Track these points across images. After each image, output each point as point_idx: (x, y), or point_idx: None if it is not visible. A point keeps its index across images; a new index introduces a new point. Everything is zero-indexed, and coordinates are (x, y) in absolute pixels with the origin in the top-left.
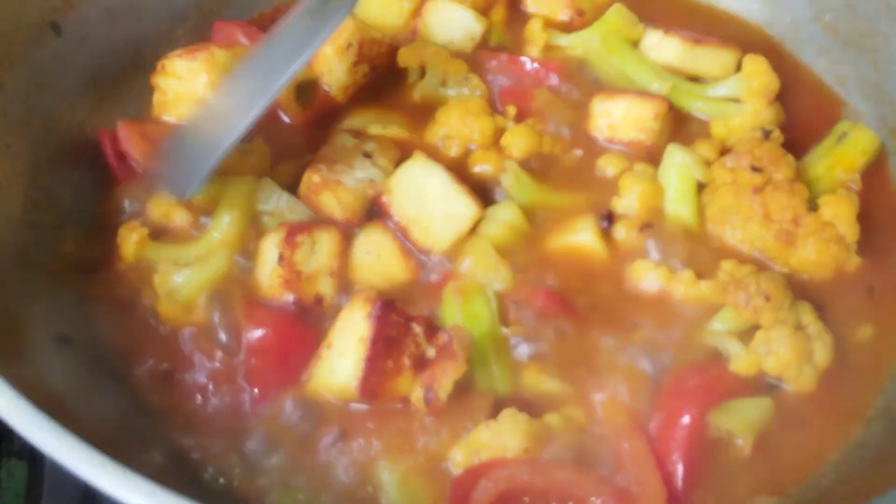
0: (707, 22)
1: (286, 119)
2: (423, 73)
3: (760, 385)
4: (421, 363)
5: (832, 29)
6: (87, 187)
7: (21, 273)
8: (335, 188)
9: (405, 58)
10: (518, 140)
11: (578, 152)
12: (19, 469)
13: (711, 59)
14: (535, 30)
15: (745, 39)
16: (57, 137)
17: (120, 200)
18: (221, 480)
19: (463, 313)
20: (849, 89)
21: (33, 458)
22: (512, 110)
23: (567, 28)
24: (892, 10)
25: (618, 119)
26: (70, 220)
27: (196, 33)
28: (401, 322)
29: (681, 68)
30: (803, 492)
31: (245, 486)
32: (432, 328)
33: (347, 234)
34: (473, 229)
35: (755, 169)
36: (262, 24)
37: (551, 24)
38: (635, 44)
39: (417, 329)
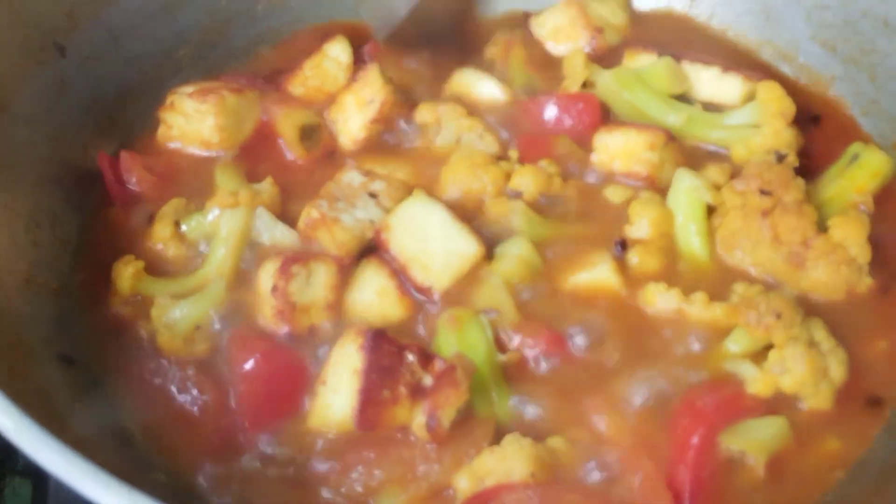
0: (708, 43)
1: (290, 156)
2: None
3: (777, 404)
4: (418, 391)
5: (830, 47)
6: (92, 208)
7: (25, 293)
8: (332, 226)
9: (423, 114)
10: (525, 180)
11: (584, 186)
12: (23, 488)
13: (731, 87)
14: (576, 64)
15: (747, 62)
16: (61, 158)
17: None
18: None
19: (458, 342)
20: (848, 107)
21: (37, 476)
22: (514, 154)
23: (594, 56)
24: (890, 27)
25: (616, 152)
26: (73, 241)
27: (198, 55)
28: (394, 351)
29: (710, 100)
30: None
31: None
32: (427, 356)
33: (344, 268)
34: (476, 270)
35: (764, 192)
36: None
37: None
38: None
39: (411, 358)
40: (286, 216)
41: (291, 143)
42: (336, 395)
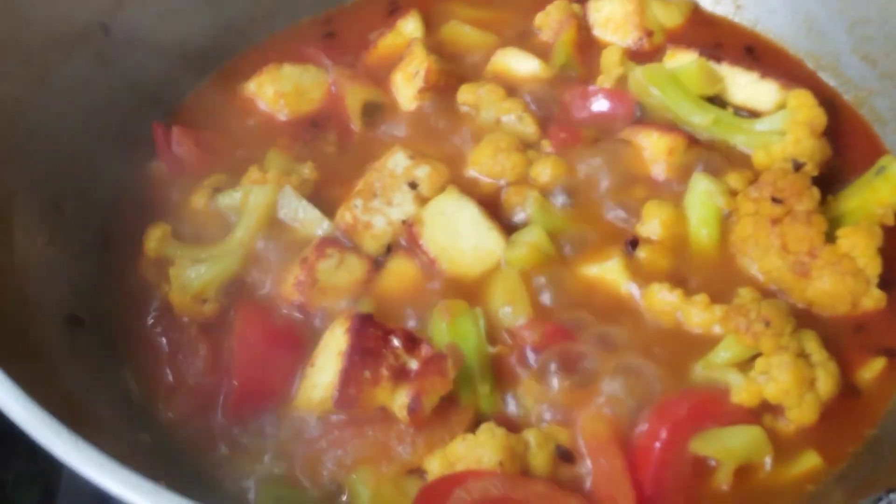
0: (752, 50)
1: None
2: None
3: (761, 415)
4: (401, 374)
5: (871, 60)
6: (120, 180)
7: (43, 256)
8: (363, 232)
9: (464, 95)
10: (545, 170)
11: (606, 183)
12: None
13: (766, 93)
14: (612, 60)
15: (789, 70)
16: (96, 132)
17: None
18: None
19: (450, 331)
20: (882, 122)
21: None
22: (546, 144)
23: (636, 55)
24: None
25: (639, 153)
26: (100, 209)
27: (244, 39)
28: (379, 335)
29: (744, 104)
30: None
31: (224, 481)
32: (414, 341)
33: (376, 267)
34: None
35: (776, 200)
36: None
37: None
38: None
39: (396, 342)
40: (327, 192)
41: (354, 117)
42: (321, 376)
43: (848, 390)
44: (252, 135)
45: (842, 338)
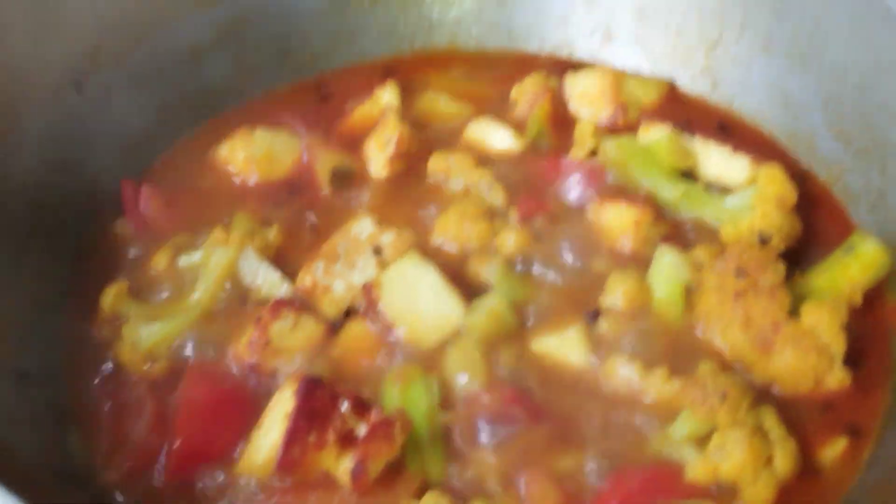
0: (726, 125)
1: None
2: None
3: (717, 493)
4: (348, 439)
5: (844, 138)
6: (84, 236)
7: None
8: (321, 297)
9: (435, 163)
10: (510, 239)
11: (571, 254)
12: None
13: (737, 168)
14: (585, 133)
15: (762, 146)
16: (62, 188)
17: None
18: None
19: (402, 398)
20: (855, 199)
21: None
22: (513, 213)
23: (611, 130)
24: None
25: (605, 225)
26: (60, 264)
27: (221, 102)
28: (326, 398)
29: (716, 179)
30: None
31: None
32: (363, 406)
33: (333, 330)
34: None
35: (740, 273)
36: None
37: (598, 125)
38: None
39: (345, 406)
40: (290, 257)
41: (324, 182)
42: (266, 438)
43: (809, 469)
44: (221, 198)
45: (805, 415)
